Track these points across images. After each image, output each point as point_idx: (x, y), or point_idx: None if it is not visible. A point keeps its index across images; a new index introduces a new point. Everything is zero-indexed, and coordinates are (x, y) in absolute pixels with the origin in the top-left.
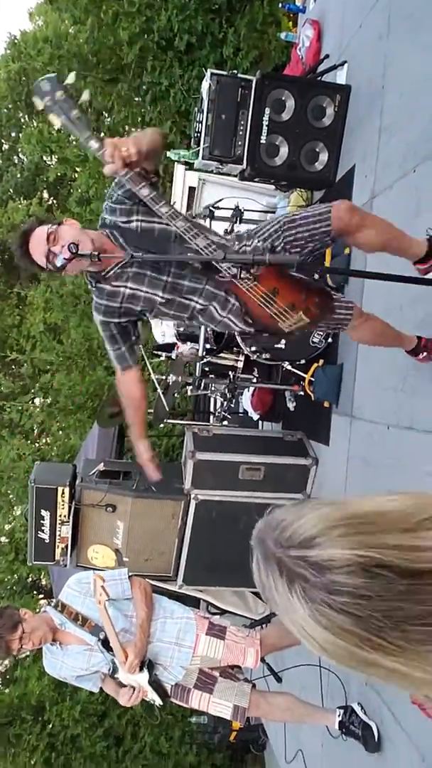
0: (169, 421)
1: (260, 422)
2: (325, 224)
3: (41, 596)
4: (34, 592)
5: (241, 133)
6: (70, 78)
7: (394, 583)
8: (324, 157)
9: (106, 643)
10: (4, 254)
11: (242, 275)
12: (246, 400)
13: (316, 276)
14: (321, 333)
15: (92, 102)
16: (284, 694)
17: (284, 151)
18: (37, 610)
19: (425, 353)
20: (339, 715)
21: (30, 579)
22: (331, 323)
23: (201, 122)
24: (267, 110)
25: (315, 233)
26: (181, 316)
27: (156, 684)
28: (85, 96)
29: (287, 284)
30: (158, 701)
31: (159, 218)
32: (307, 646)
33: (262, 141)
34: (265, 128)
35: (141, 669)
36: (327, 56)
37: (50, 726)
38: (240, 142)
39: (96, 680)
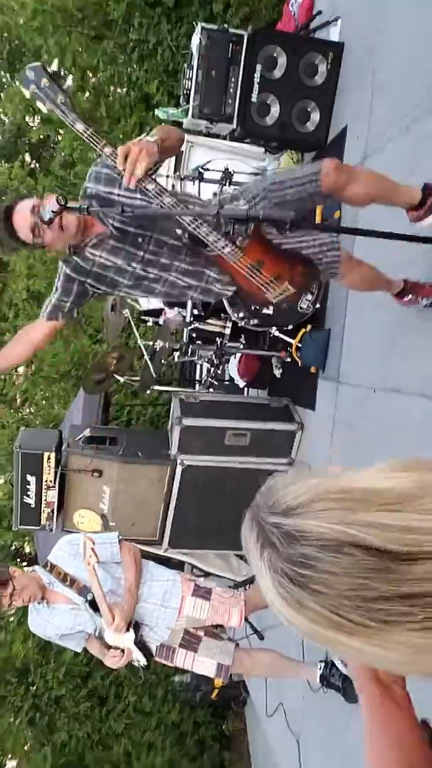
0: (155, 387)
1: (246, 389)
2: (314, 185)
3: (24, 564)
4: (18, 560)
5: (231, 90)
6: (54, 65)
7: (366, 561)
8: (316, 116)
9: (93, 604)
10: None
11: (228, 249)
12: (233, 368)
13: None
14: (310, 297)
15: (74, 92)
16: (266, 651)
17: (275, 110)
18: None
19: (410, 295)
20: (320, 668)
21: (13, 547)
22: (321, 267)
23: (190, 79)
24: (258, 67)
25: (303, 194)
26: (151, 288)
27: (141, 644)
28: (69, 82)
29: (272, 256)
30: (143, 661)
31: (141, 195)
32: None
33: (253, 99)
34: (256, 86)
35: (127, 630)
36: (320, 12)
37: (34, 688)
38: (230, 101)
39: (80, 640)
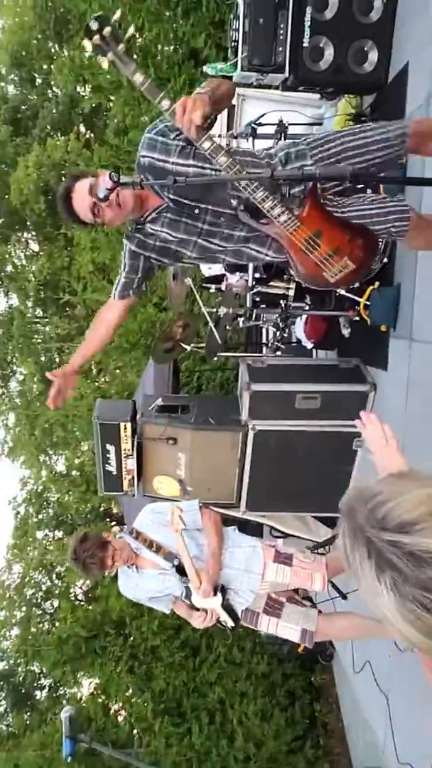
0: (222, 354)
1: (314, 351)
2: (396, 149)
3: (113, 523)
4: (107, 519)
5: (281, 37)
6: (117, 15)
7: None
8: (374, 56)
9: (180, 569)
10: (47, 196)
11: (284, 218)
12: (299, 329)
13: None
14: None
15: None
16: (347, 615)
17: (329, 53)
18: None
19: None
20: None
21: (102, 508)
22: (385, 235)
23: (237, 30)
24: (308, 9)
25: (391, 156)
26: (216, 257)
27: (228, 608)
28: (131, 30)
29: (331, 226)
30: (230, 623)
31: (194, 161)
32: (388, 629)
33: (305, 44)
34: (307, 30)
35: (214, 594)
36: None
37: (131, 638)
38: (281, 48)
39: (167, 602)
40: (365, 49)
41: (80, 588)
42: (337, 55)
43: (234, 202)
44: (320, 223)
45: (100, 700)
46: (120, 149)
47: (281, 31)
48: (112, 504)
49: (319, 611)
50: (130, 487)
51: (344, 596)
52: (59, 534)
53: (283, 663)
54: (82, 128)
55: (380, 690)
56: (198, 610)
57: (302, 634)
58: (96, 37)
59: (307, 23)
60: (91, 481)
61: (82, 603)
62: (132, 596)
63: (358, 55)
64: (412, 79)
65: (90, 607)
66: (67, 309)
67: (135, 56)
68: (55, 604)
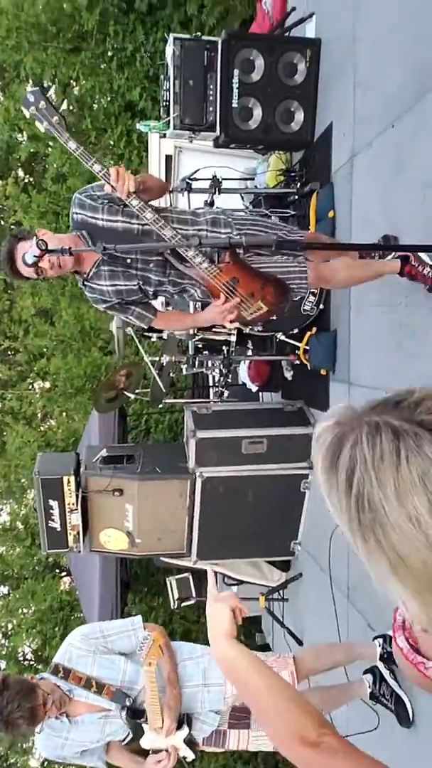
0: (167, 400)
1: (260, 393)
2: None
3: (63, 574)
4: (56, 571)
5: (211, 98)
6: (49, 93)
7: None
8: (300, 116)
9: (131, 712)
10: None
11: (206, 265)
12: (243, 372)
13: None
14: (312, 299)
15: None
16: (313, 690)
17: (258, 113)
18: (59, 590)
19: (408, 278)
20: (368, 684)
21: (50, 559)
22: (296, 291)
23: (168, 90)
24: (236, 72)
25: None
26: (168, 299)
27: (189, 741)
28: (62, 107)
29: (246, 275)
30: (191, 756)
31: (122, 217)
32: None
33: (234, 105)
34: (235, 91)
35: (178, 728)
36: (293, 9)
37: None
38: (211, 108)
39: (101, 753)
40: (291, 109)
41: (29, 646)
42: (266, 114)
43: (160, 249)
44: (236, 272)
45: None
46: (59, 196)
47: (211, 92)
48: (61, 556)
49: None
50: (75, 543)
51: (300, 642)
52: (4, 590)
53: None
54: (21, 173)
55: None
56: (145, 753)
57: None
58: (32, 108)
59: (236, 85)
60: (36, 534)
61: (31, 664)
62: (56, 756)
63: (285, 114)
64: (336, 140)
65: (40, 667)
66: (9, 353)
67: (71, 107)
68: (2, 666)
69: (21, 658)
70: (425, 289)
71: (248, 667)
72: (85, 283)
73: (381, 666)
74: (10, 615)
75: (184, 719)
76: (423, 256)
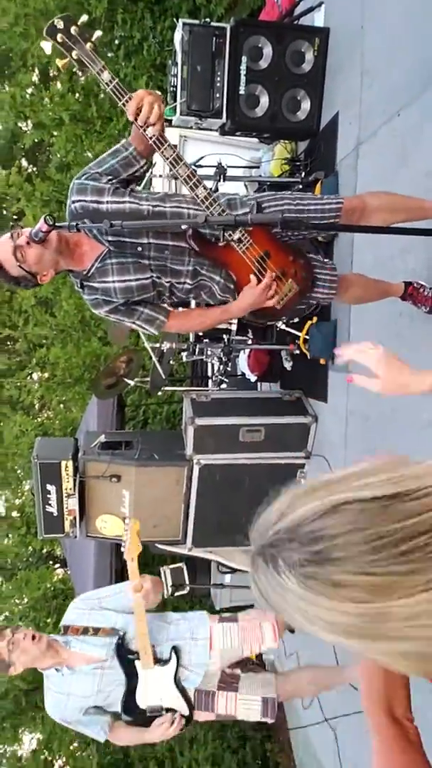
0: (166, 388)
1: (258, 383)
2: (329, 219)
3: (57, 566)
4: (50, 563)
5: (218, 84)
6: (83, 18)
7: (366, 509)
8: (306, 105)
9: (121, 649)
10: None
11: (239, 235)
12: (243, 362)
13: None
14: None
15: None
16: (303, 669)
17: (264, 101)
18: (53, 580)
19: (410, 301)
20: None
21: (44, 550)
22: (321, 298)
23: (176, 76)
24: (244, 59)
25: (318, 225)
26: (182, 297)
27: (180, 688)
28: (97, 33)
29: (276, 246)
30: (185, 711)
31: (129, 198)
32: (319, 634)
33: (241, 92)
34: (243, 78)
35: (166, 663)
36: None
37: None
38: (218, 95)
39: (104, 725)
40: (298, 98)
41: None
42: (272, 102)
43: (184, 227)
44: (267, 244)
45: (42, 756)
46: (62, 185)
47: (218, 79)
48: (55, 545)
49: (275, 673)
50: (71, 528)
51: (292, 630)
52: None
53: None
54: (24, 162)
55: (329, 725)
56: (151, 721)
57: (263, 706)
58: (60, 36)
59: (243, 72)
60: (32, 522)
61: None
62: (61, 717)
63: (291, 103)
64: (342, 128)
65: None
66: (8, 343)
67: (77, 95)
68: None
69: None
70: (425, 312)
71: None
72: (84, 283)
73: None
74: (2, 602)
75: (171, 653)
76: (422, 281)
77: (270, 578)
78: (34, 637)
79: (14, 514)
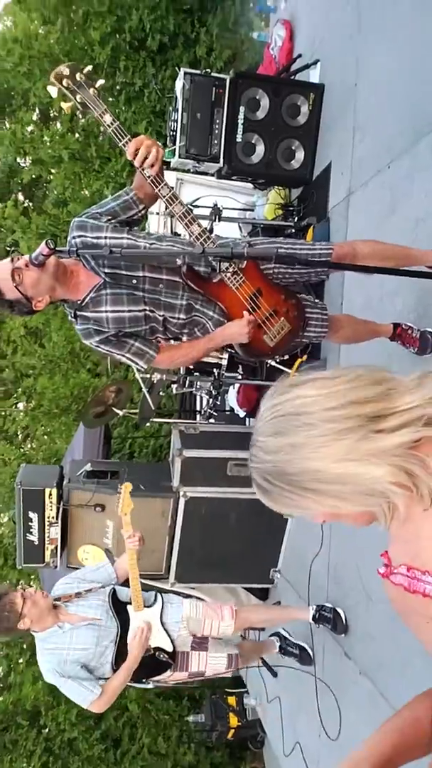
0: (155, 420)
1: (247, 419)
2: (323, 260)
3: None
4: None
5: (216, 131)
6: (89, 68)
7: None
8: (300, 155)
9: (116, 601)
10: None
11: (233, 271)
12: (232, 398)
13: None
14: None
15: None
16: (251, 610)
17: (260, 149)
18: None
19: (399, 341)
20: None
21: (20, 585)
22: (312, 337)
23: (176, 121)
24: (242, 109)
25: (310, 260)
26: (174, 332)
27: (164, 627)
28: (101, 81)
29: (268, 285)
30: (168, 646)
31: (127, 235)
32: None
33: (238, 139)
34: (240, 126)
35: (153, 605)
36: (299, 55)
37: (46, 731)
38: (216, 141)
39: (97, 681)
40: (293, 148)
41: None
42: (268, 151)
43: (178, 261)
44: (260, 282)
45: None
46: (59, 219)
47: (217, 126)
48: (32, 579)
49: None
50: (52, 557)
51: (274, 673)
52: None
53: (212, 751)
54: (21, 197)
55: None
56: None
57: (228, 660)
58: (66, 81)
59: (241, 121)
60: (10, 554)
61: None
62: (61, 670)
63: (286, 152)
64: (334, 178)
65: (1, 698)
66: None
67: (77, 135)
68: None
69: None
70: (413, 353)
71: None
72: (77, 313)
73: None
74: None
75: (156, 596)
76: (410, 323)
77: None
78: (43, 593)
79: None
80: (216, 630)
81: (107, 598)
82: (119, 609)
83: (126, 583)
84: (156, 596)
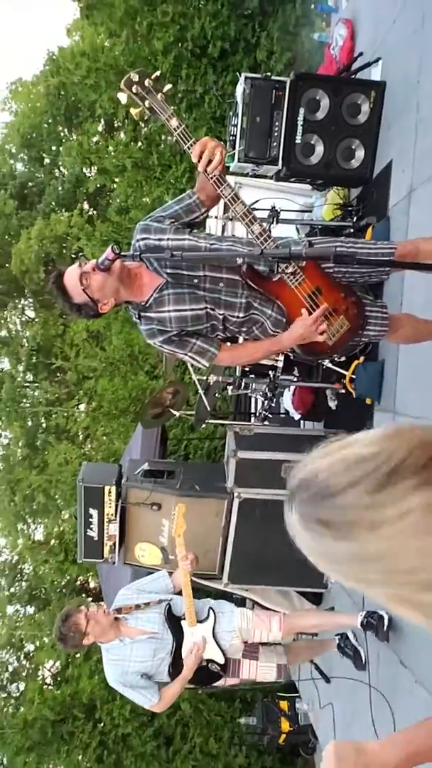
0: (210, 421)
1: (302, 422)
2: (385, 259)
3: (90, 599)
4: (83, 595)
5: (276, 134)
6: (156, 73)
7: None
8: (360, 153)
9: (170, 617)
10: (47, 266)
11: (292, 269)
12: (287, 400)
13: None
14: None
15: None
16: (310, 612)
17: (320, 149)
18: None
19: None
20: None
21: (79, 582)
22: (372, 336)
23: (236, 126)
24: (301, 110)
25: (370, 259)
26: (233, 331)
27: (216, 641)
28: (168, 86)
29: (328, 282)
30: (220, 658)
31: (189, 236)
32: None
33: (297, 141)
34: (300, 128)
35: (206, 620)
36: (361, 54)
37: (101, 724)
38: (275, 143)
39: (156, 688)
40: (353, 147)
41: (49, 671)
42: (327, 151)
43: (239, 260)
44: (319, 280)
45: None
46: (121, 226)
47: (276, 129)
48: (89, 575)
49: (284, 613)
50: (110, 553)
51: (327, 679)
52: (31, 610)
53: (263, 755)
54: (86, 206)
55: None
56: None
57: (278, 670)
58: (135, 87)
59: (300, 122)
60: (70, 550)
61: (50, 686)
62: (123, 680)
63: (346, 152)
64: (395, 176)
65: (59, 691)
66: (58, 374)
67: (140, 144)
68: (22, 687)
69: (41, 681)
70: None
71: None
72: (141, 314)
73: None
74: (38, 629)
75: (209, 612)
76: None
77: (289, 520)
78: (105, 612)
79: (53, 541)
80: (264, 638)
81: (163, 612)
82: (174, 623)
83: (181, 592)
84: (209, 611)
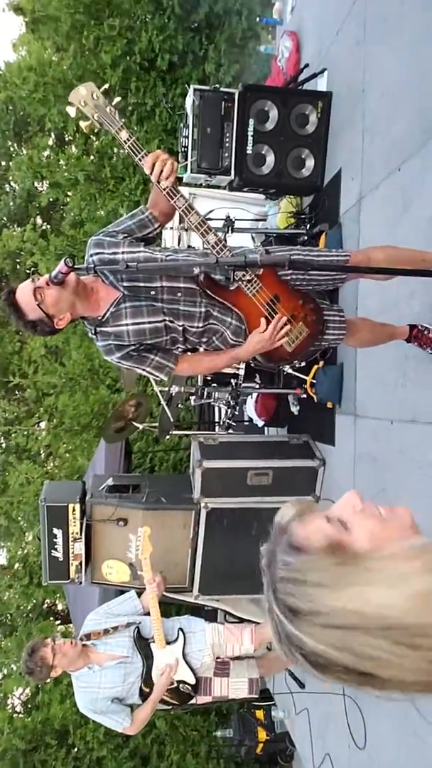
0: (174, 432)
1: (266, 428)
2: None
3: (58, 622)
4: (51, 618)
5: (227, 144)
6: (105, 86)
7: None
8: (310, 163)
9: (140, 637)
10: (0, 283)
11: (249, 277)
12: (250, 408)
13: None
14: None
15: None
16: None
17: (271, 159)
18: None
19: (415, 343)
20: None
21: (46, 605)
22: (331, 340)
23: (187, 137)
24: (251, 121)
25: (324, 264)
26: (194, 342)
27: (187, 661)
28: (117, 99)
29: (286, 290)
30: (191, 679)
31: (144, 248)
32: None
33: (249, 151)
34: (250, 138)
35: (175, 641)
36: (307, 65)
37: (75, 750)
38: (227, 154)
39: (128, 712)
40: (303, 156)
41: (18, 698)
42: (278, 161)
43: (196, 270)
44: (277, 287)
45: None
46: (76, 240)
47: (227, 140)
48: (57, 597)
49: (255, 625)
50: (77, 573)
51: (302, 684)
52: None
53: (241, 767)
54: (39, 220)
55: None
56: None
57: (249, 685)
58: (83, 100)
59: (250, 133)
60: (35, 572)
61: (20, 714)
62: (93, 707)
63: (296, 161)
64: (345, 183)
65: (29, 719)
66: (17, 392)
67: (92, 157)
68: None
69: (10, 709)
70: (431, 354)
71: None
72: (98, 329)
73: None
74: (5, 657)
75: (178, 633)
76: (426, 324)
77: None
78: (72, 643)
79: (17, 565)
80: (237, 652)
81: (132, 635)
82: (144, 645)
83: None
84: (178, 632)
